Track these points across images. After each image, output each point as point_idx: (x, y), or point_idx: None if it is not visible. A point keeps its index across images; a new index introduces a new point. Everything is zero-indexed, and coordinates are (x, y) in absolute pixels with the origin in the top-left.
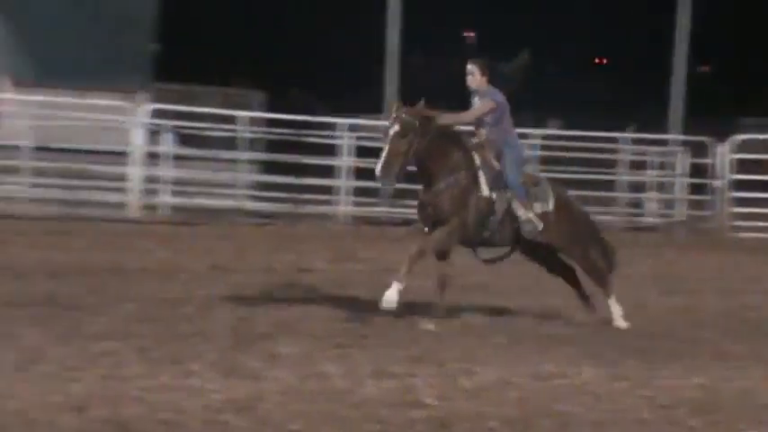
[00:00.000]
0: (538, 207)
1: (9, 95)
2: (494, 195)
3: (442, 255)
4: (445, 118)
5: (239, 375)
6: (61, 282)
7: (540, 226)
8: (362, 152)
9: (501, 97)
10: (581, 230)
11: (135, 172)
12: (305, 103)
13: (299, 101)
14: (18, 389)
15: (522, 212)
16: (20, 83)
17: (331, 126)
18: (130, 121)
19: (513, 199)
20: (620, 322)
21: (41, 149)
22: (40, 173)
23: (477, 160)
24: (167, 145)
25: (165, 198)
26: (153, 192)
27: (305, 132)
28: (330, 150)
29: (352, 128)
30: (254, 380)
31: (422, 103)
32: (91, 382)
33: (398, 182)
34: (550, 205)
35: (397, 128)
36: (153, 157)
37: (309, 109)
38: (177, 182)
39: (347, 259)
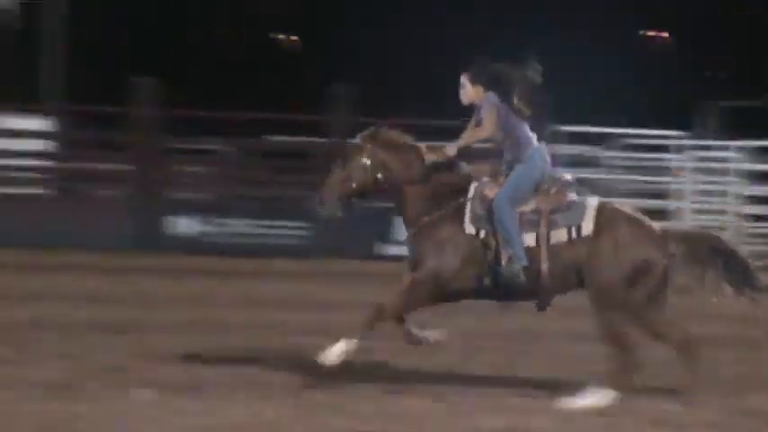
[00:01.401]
0: (557, 236)
1: None
2: (482, 233)
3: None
4: (449, 148)
5: None
6: None
7: (523, 262)
8: None
9: (499, 102)
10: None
11: None
12: None
13: None
14: None
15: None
16: None
17: None
18: None
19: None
20: None
21: None
22: None
23: (472, 189)
24: None
25: None
26: None
27: None
28: None
29: None
30: None
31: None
32: None
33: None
34: (584, 230)
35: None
36: None
37: None
38: None
39: None
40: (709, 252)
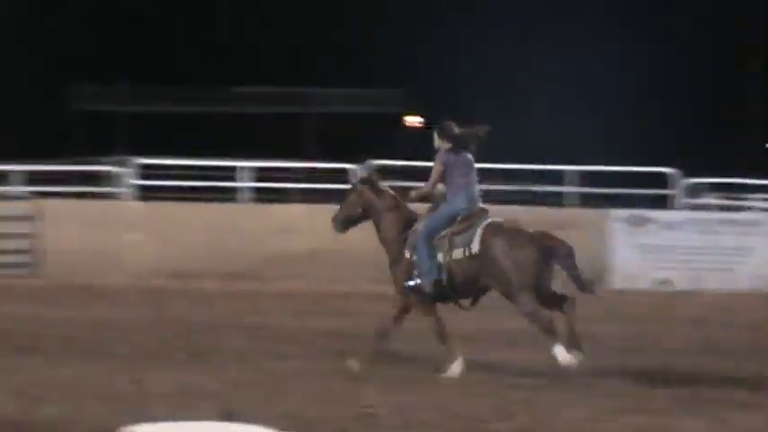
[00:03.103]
0: (458, 253)
1: None
2: (411, 255)
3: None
4: (413, 194)
5: None
6: None
7: (431, 276)
8: None
9: (446, 157)
10: (506, 271)
11: None
12: None
13: None
14: None
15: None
16: None
17: None
18: None
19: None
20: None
21: None
22: None
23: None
24: None
25: None
26: None
27: None
28: None
29: None
30: None
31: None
32: None
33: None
34: (474, 249)
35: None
36: None
37: None
38: None
39: None
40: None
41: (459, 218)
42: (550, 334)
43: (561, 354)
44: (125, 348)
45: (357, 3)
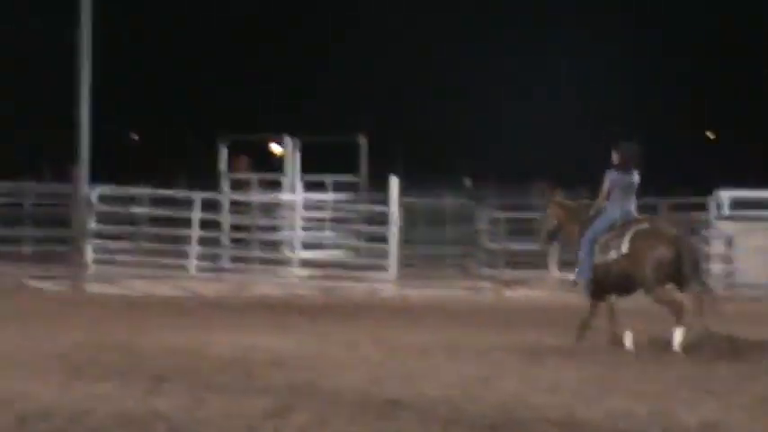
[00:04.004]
0: (612, 254)
1: None
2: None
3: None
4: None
5: None
6: None
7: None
8: None
9: (613, 175)
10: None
11: None
12: None
13: None
14: None
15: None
16: None
17: None
18: None
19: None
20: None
21: None
22: None
23: None
24: None
25: None
26: None
27: None
28: None
29: None
30: None
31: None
32: None
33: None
34: (623, 250)
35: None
36: None
37: None
38: None
39: None
40: None
41: (617, 224)
42: (678, 316)
43: (678, 337)
44: None
45: None
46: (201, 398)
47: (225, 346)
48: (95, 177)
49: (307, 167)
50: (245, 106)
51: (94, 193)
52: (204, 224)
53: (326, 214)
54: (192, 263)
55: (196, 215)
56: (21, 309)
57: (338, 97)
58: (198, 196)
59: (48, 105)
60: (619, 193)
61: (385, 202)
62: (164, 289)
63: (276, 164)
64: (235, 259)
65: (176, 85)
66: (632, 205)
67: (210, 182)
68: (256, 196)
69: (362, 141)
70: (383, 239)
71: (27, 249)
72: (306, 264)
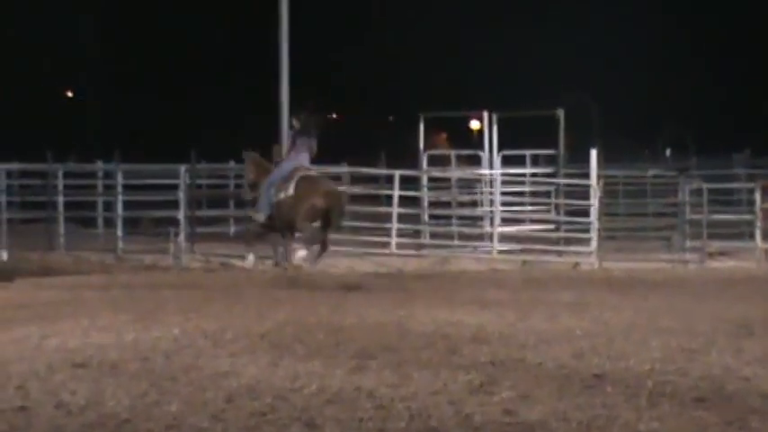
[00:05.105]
0: (281, 195)
1: None
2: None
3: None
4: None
5: None
6: None
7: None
8: None
9: (290, 135)
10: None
11: None
12: None
13: None
14: None
15: None
16: None
17: None
18: None
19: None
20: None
21: None
22: None
23: None
24: None
25: None
26: None
27: None
28: None
29: None
30: None
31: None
32: None
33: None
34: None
35: None
36: None
37: None
38: None
39: None
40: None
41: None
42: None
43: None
44: None
45: None
46: (406, 374)
47: (428, 323)
48: None
49: (505, 143)
50: (444, 84)
51: None
52: (403, 201)
53: (526, 188)
54: (393, 240)
55: (396, 192)
56: (227, 286)
57: (536, 73)
58: (397, 173)
59: (249, 90)
60: (297, 150)
61: (585, 175)
62: (365, 266)
63: (474, 139)
64: (434, 235)
65: (376, 66)
66: (306, 160)
67: (409, 159)
68: (455, 172)
69: (561, 115)
70: (584, 213)
71: (230, 230)
72: (505, 238)
